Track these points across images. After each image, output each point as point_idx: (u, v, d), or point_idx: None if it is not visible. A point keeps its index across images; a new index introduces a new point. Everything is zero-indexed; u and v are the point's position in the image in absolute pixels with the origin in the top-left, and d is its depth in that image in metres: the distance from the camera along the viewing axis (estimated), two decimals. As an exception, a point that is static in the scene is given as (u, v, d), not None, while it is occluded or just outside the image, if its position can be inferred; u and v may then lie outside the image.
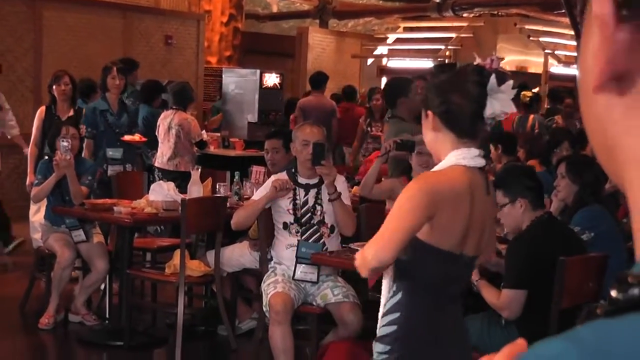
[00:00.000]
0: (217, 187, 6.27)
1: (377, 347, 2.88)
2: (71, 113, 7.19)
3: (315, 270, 4.87)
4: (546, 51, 14.07)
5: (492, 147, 6.90)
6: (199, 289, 6.36)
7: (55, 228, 6.01)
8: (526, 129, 9.59)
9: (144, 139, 7.58)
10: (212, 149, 9.33)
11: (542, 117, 10.03)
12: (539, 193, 4.09)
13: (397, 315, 2.82)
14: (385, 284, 2.89)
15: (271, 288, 4.77)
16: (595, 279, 4.01)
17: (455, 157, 2.74)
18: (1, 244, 7.91)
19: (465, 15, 14.41)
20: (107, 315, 6.12)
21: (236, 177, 6.29)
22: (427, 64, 14.34)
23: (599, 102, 0.53)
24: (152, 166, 7.99)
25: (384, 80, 14.78)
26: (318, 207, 4.99)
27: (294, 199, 4.99)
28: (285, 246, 4.99)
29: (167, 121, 7.90)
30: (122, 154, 7.29)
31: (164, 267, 5.55)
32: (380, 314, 2.90)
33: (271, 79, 11.18)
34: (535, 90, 11.38)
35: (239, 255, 5.70)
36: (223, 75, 11.47)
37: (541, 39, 14.19)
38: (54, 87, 7.18)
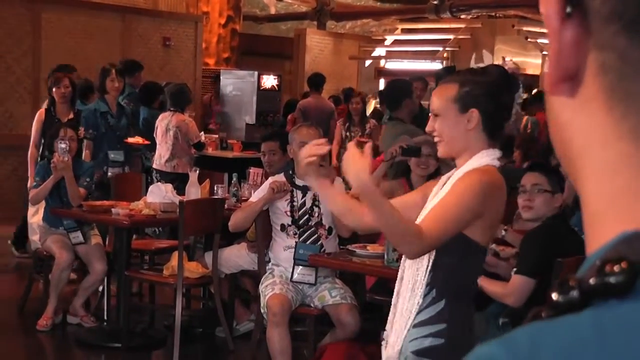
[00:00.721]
0: (215, 188, 6.28)
1: None
2: (71, 115, 7.20)
3: (313, 272, 4.88)
4: (544, 53, 14.08)
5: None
6: (196, 291, 6.36)
7: (53, 230, 6.02)
8: (519, 130, 9.64)
9: (146, 142, 7.61)
10: (210, 151, 9.35)
11: (535, 119, 10.08)
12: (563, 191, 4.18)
13: (443, 326, 2.68)
14: (409, 290, 2.75)
15: (269, 289, 4.78)
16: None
17: (490, 158, 2.73)
18: (12, 247, 7.93)
19: (463, 16, 14.43)
20: (105, 317, 6.13)
21: (234, 179, 6.30)
22: (425, 65, 14.36)
23: (555, 104, 0.53)
24: (150, 168, 8.00)
25: (382, 82, 14.80)
26: (315, 209, 5.01)
27: (292, 201, 5.01)
28: (282, 248, 5.01)
29: (164, 123, 7.92)
30: (122, 156, 7.30)
31: (161, 269, 5.56)
32: (409, 322, 2.72)
33: (269, 81, 11.19)
34: (534, 91, 11.40)
35: (236, 257, 5.71)
36: (221, 77, 11.49)
37: (539, 41, 14.21)
38: (53, 89, 7.19)
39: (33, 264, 6.36)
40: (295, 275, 4.89)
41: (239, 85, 11.13)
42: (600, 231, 0.50)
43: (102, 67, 7.37)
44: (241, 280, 5.86)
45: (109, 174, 7.09)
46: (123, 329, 5.63)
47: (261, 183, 5.73)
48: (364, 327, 4.82)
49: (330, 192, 2.94)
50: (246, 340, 5.58)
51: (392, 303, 2.84)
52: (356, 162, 2.54)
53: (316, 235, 4.99)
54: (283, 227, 5.02)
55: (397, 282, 2.84)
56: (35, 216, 6.23)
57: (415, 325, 2.71)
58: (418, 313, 2.71)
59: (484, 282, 3.99)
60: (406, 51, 15.33)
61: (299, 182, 5.04)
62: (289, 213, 5.00)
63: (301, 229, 4.99)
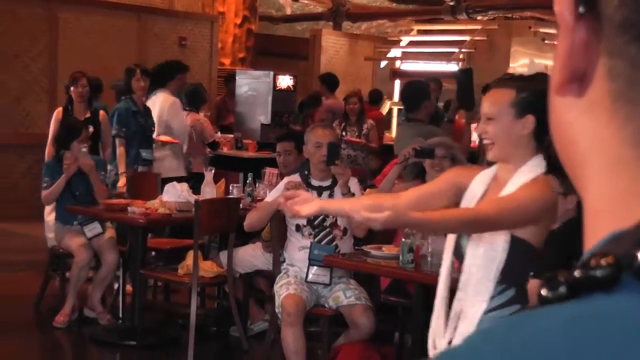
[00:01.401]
0: (230, 188, 6.30)
1: None
2: (88, 114, 7.25)
3: (328, 272, 4.88)
4: (560, 55, 14.02)
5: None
6: (211, 290, 6.38)
7: (68, 227, 6.06)
8: None
9: (176, 141, 7.66)
10: (225, 150, 9.36)
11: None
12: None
13: (517, 307, 2.83)
14: (478, 283, 2.85)
15: (283, 289, 4.79)
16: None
17: (542, 166, 2.84)
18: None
19: (479, 18, 14.39)
20: (120, 315, 6.15)
21: (249, 179, 6.31)
22: (440, 66, 14.34)
23: (560, 104, 0.53)
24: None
25: (397, 83, 14.78)
26: (331, 210, 5.01)
27: (307, 201, 5.01)
28: (298, 248, 5.01)
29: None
30: (152, 154, 7.41)
31: (177, 268, 5.58)
32: (480, 312, 2.83)
33: (284, 81, 11.20)
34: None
35: (251, 257, 5.72)
36: (236, 77, 11.50)
37: (556, 42, 14.13)
38: (71, 88, 7.24)
39: (49, 261, 6.39)
40: (310, 276, 4.90)
41: (254, 85, 11.13)
42: (598, 230, 0.50)
43: (126, 67, 7.42)
44: (256, 280, 5.87)
45: (139, 171, 7.21)
46: (138, 328, 5.66)
47: (276, 183, 5.74)
48: (378, 328, 4.82)
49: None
50: (260, 340, 5.59)
51: (457, 297, 2.91)
52: (375, 218, 2.61)
53: (331, 236, 4.99)
54: (298, 228, 5.03)
55: (463, 273, 2.90)
56: (52, 214, 6.27)
57: (490, 310, 2.83)
58: (490, 300, 2.83)
59: None
60: (422, 52, 15.30)
61: (314, 182, 5.05)
62: (304, 213, 5.00)
63: (316, 230, 5.00)
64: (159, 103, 7.65)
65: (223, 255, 5.68)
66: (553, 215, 2.91)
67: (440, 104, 9.69)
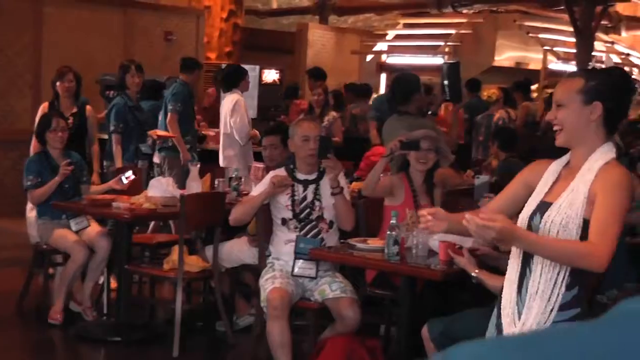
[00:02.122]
0: (216, 182, 6.28)
1: None
2: (74, 110, 7.23)
3: (314, 265, 4.87)
4: (545, 48, 14.06)
5: (490, 143, 6.90)
6: (197, 285, 6.36)
7: (56, 222, 6.02)
8: (491, 126, 9.79)
9: (174, 135, 7.86)
10: (211, 145, 9.34)
11: (507, 113, 10.27)
12: None
13: (577, 310, 2.85)
14: (548, 274, 2.87)
15: (269, 283, 4.78)
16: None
17: (613, 152, 2.91)
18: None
19: (464, 11, 14.41)
20: (106, 311, 6.13)
21: (235, 173, 6.29)
22: (426, 60, 14.34)
23: None
24: (152, 162, 8.02)
25: (383, 76, 14.79)
26: (317, 203, 5.00)
27: (293, 195, 5.00)
28: (283, 242, 5.00)
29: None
30: (150, 149, 7.61)
31: (162, 263, 5.56)
32: (541, 305, 2.86)
33: (270, 75, 11.19)
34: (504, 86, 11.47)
35: (237, 251, 5.70)
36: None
37: (540, 36, 14.19)
38: (57, 83, 7.21)
39: (33, 258, 6.35)
40: (296, 269, 4.88)
41: (240, 79, 11.08)
42: None
43: (121, 63, 7.50)
44: (242, 274, 5.86)
45: (139, 166, 7.27)
46: (123, 323, 5.63)
47: (262, 177, 5.72)
48: (364, 321, 4.81)
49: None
50: (246, 334, 5.58)
51: (532, 279, 2.92)
52: (490, 227, 2.67)
53: (317, 229, 4.98)
54: (284, 221, 5.01)
55: (534, 265, 2.91)
56: (34, 210, 6.23)
57: (556, 310, 2.86)
58: (557, 296, 2.86)
59: (484, 276, 3.98)
60: (408, 46, 15.31)
61: (300, 175, 5.03)
62: (290, 207, 4.99)
63: (302, 223, 4.98)
64: (227, 103, 7.99)
65: (209, 250, 5.67)
66: (632, 197, 2.95)
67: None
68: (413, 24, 15.72)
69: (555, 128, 2.98)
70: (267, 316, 4.73)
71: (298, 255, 4.87)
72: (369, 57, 15.30)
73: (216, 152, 8.78)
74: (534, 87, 12.54)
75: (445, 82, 7.52)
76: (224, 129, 8.03)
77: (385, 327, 5.37)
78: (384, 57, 15.42)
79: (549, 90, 10.31)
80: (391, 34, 15.74)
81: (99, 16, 11.07)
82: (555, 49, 14.04)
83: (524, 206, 2.99)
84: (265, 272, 4.93)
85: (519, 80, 11.32)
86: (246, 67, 11.42)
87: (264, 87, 10.96)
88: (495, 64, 14.09)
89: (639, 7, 16.47)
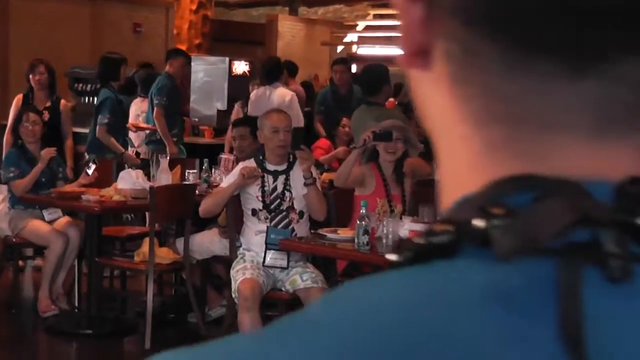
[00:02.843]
0: (186, 174, 6.27)
1: None
2: (48, 104, 7.19)
3: (285, 256, 4.89)
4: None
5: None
6: (168, 277, 6.35)
7: (30, 211, 5.99)
8: None
9: (151, 127, 7.89)
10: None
11: None
12: None
13: None
14: None
15: (240, 274, 4.79)
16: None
17: None
18: None
19: (434, 2, 14.46)
20: (77, 304, 6.10)
21: (205, 165, 6.29)
22: (396, 51, 14.36)
23: (412, 77, 0.54)
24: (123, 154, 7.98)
25: (354, 67, 14.80)
26: (287, 193, 5.01)
27: (263, 186, 5.01)
28: (254, 233, 5.01)
29: (135, 108, 7.91)
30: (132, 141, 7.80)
31: (133, 255, 5.54)
32: None
33: (240, 67, 11.15)
34: None
35: (208, 243, 5.70)
36: (192, 63, 11.41)
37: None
38: (30, 76, 7.19)
39: (2, 252, 6.30)
40: (268, 260, 4.90)
41: (210, 71, 11.05)
42: (445, 203, 0.51)
43: (115, 57, 7.64)
44: (213, 265, 5.86)
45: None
46: (95, 316, 5.61)
47: (232, 169, 5.72)
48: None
49: None
50: (218, 325, 5.58)
51: None
52: None
53: (287, 220, 5.00)
54: (254, 212, 5.02)
55: None
56: (2, 203, 6.18)
57: None
58: None
59: None
60: (378, 37, 15.34)
61: (269, 166, 5.04)
62: (260, 198, 5.00)
63: (272, 214, 5.00)
64: (277, 96, 8.01)
65: (179, 242, 5.66)
66: None
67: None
68: (383, 14, 15.75)
69: None
70: (238, 307, 4.74)
71: (269, 246, 4.89)
72: (340, 49, 15.32)
73: (187, 144, 8.77)
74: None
75: None
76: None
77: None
78: (354, 48, 15.44)
79: None
80: (361, 25, 15.77)
81: (67, 8, 10.99)
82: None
83: None
84: (236, 263, 4.94)
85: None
86: (215, 58, 11.43)
87: (233, 79, 10.92)
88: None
89: None
